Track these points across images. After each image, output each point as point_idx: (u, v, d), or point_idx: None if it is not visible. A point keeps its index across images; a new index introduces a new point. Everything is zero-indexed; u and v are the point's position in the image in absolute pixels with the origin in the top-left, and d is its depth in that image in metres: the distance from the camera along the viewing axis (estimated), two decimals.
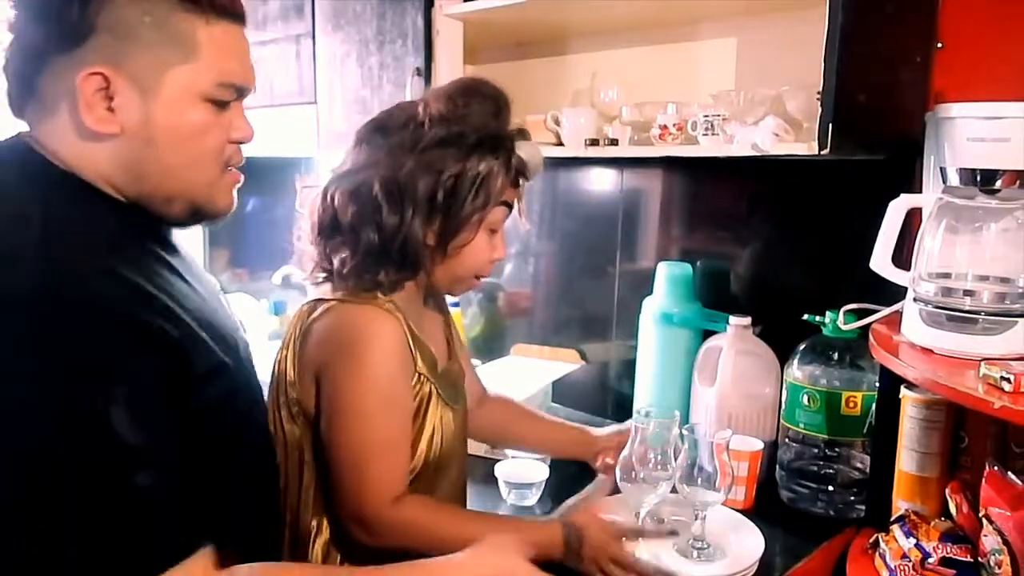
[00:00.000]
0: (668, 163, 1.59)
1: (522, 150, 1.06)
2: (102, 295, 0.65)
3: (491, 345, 1.97)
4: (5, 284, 0.64)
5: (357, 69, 1.74)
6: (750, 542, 1.14)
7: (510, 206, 1.09)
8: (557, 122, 1.48)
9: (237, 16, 0.78)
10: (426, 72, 1.59)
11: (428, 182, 1.00)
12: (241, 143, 0.83)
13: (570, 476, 1.34)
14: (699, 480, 1.07)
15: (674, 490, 1.10)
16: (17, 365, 0.60)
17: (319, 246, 1.04)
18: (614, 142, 1.36)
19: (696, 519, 1.11)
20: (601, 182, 1.75)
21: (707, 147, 1.21)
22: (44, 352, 0.61)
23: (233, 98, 0.80)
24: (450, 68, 1.60)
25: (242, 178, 0.85)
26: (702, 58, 1.50)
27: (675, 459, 1.09)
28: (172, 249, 0.83)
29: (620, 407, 1.66)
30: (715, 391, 1.39)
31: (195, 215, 0.82)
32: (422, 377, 1.05)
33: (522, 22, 1.62)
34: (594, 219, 1.76)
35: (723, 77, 1.44)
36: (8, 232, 0.68)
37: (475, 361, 1.95)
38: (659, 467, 1.09)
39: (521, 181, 1.08)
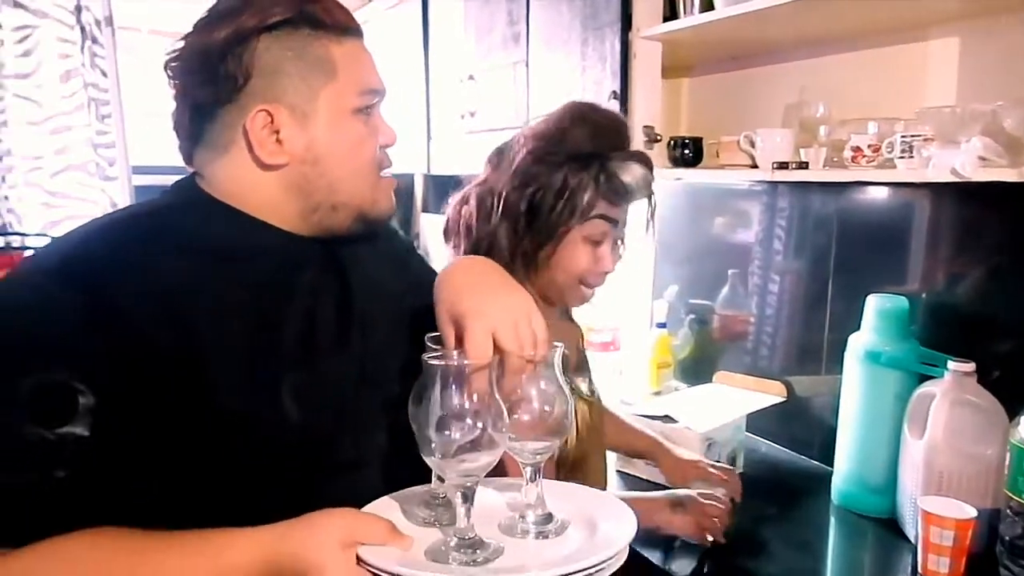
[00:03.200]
0: (888, 185, 1.42)
1: (620, 169, 1.09)
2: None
3: (698, 369, 1.90)
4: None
5: (563, 95, 1.78)
6: (610, 513, 0.76)
7: (612, 221, 1.12)
8: (752, 143, 1.40)
9: (358, 32, 0.84)
10: (622, 95, 1.59)
11: (516, 195, 1.10)
12: (388, 147, 0.88)
13: None
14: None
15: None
16: None
17: (446, 249, 1.19)
18: (804, 165, 1.25)
19: (528, 478, 0.74)
20: (813, 205, 1.61)
21: (902, 172, 1.07)
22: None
23: (375, 102, 0.85)
24: (646, 90, 1.58)
25: (396, 182, 0.90)
26: (920, 66, 1.32)
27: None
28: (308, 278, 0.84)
29: (825, 447, 1.52)
30: (924, 444, 1.21)
31: (359, 221, 0.86)
32: None
33: (727, 36, 1.55)
34: (806, 245, 1.63)
35: (944, 87, 1.26)
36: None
37: (679, 384, 1.92)
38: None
39: (620, 199, 1.11)
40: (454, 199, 1.18)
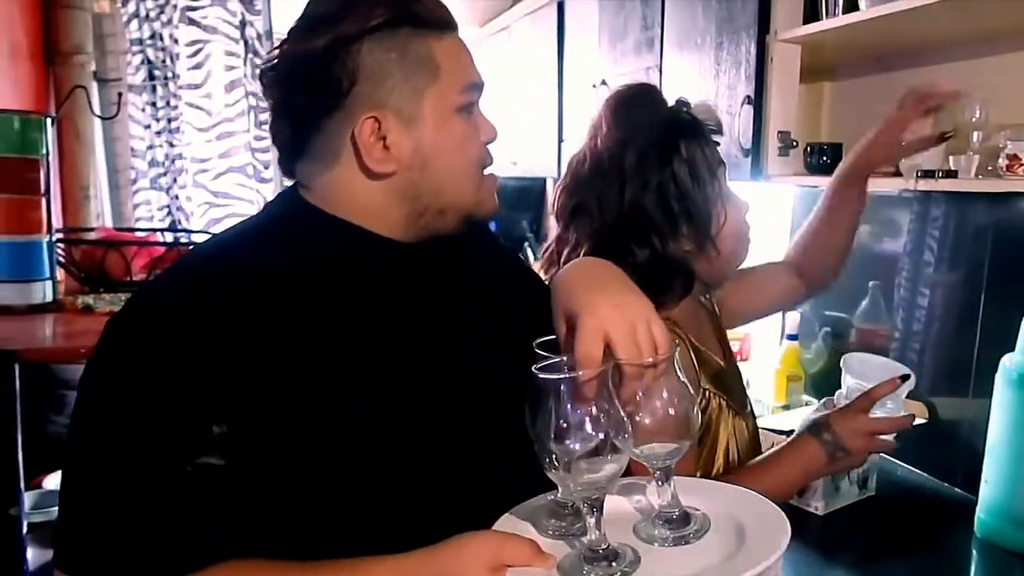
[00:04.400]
0: None
1: (698, 114, 1.07)
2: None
3: (831, 384, 1.80)
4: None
5: (695, 100, 1.76)
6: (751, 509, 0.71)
7: (724, 162, 1.09)
8: None
9: (455, 27, 0.80)
10: (757, 100, 1.55)
11: (655, 202, 1.03)
12: (490, 142, 0.84)
13: None
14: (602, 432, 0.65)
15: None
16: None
17: None
18: (951, 174, 1.17)
19: (660, 481, 0.70)
20: (967, 215, 1.50)
21: None
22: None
23: (476, 98, 0.81)
24: (782, 94, 1.53)
25: (498, 179, 0.86)
26: None
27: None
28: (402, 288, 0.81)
29: (969, 474, 1.42)
30: None
31: (466, 222, 0.82)
32: (708, 392, 1.06)
33: (873, 37, 1.48)
34: (957, 258, 1.52)
35: None
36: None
37: (810, 399, 1.85)
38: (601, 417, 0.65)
39: (717, 137, 1.10)
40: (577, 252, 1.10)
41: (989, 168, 1.19)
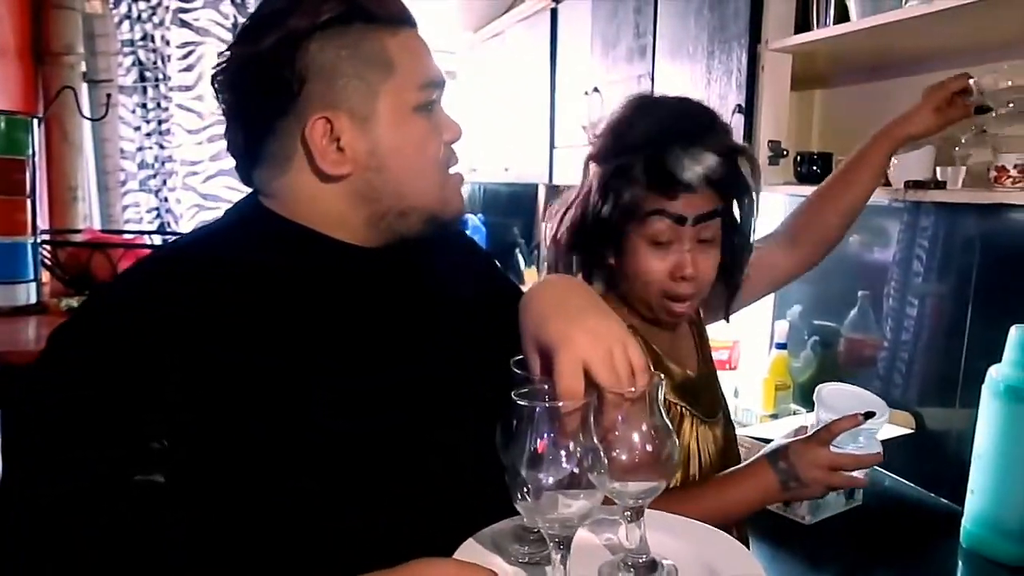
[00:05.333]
0: None
1: (674, 157, 0.95)
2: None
3: None
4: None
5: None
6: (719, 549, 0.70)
7: (674, 217, 0.97)
8: None
9: (412, 22, 0.78)
10: (747, 109, 1.55)
11: (582, 203, 1.04)
12: (453, 142, 0.81)
13: None
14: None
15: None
16: None
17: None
18: (940, 185, 1.17)
19: (628, 519, 0.67)
20: (955, 226, 1.51)
21: None
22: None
23: (436, 96, 0.78)
24: (773, 103, 1.54)
25: (463, 178, 0.83)
26: None
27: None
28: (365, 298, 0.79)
29: (955, 485, 1.42)
30: None
31: (431, 223, 0.80)
32: (668, 402, 1.04)
33: (865, 47, 1.48)
34: (944, 268, 1.53)
35: None
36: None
37: (798, 408, 1.85)
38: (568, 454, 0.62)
39: (672, 191, 0.96)
40: (551, 219, 1.11)
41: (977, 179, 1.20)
